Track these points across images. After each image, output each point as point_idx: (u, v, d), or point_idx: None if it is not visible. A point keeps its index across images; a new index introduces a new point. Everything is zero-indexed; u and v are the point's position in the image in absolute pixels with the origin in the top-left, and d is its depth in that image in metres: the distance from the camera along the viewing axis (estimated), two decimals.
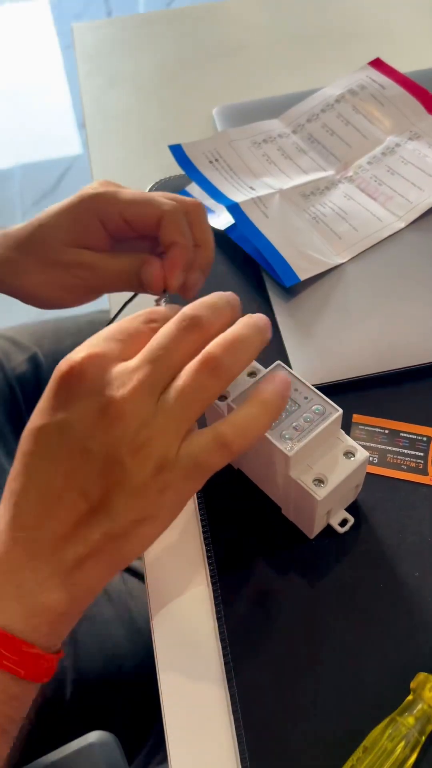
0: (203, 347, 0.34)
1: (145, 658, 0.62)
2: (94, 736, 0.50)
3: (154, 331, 0.35)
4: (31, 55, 2.40)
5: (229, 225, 0.61)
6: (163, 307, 0.38)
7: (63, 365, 0.34)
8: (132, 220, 0.46)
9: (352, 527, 0.46)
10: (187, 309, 0.35)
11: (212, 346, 0.34)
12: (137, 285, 0.47)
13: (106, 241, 0.47)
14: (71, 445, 0.33)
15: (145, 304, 0.43)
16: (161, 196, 0.47)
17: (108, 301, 0.61)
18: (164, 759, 0.66)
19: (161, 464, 0.33)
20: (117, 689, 0.61)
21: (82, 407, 0.33)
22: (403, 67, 0.74)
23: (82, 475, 0.33)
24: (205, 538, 0.46)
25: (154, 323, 0.36)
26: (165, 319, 0.36)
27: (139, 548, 0.35)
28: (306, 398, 0.42)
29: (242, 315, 0.37)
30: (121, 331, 0.35)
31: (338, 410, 0.42)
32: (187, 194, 0.65)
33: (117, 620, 0.63)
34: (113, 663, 0.61)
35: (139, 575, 0.68)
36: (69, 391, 0.33)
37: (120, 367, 0.34)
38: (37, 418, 0.34)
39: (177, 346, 0.34)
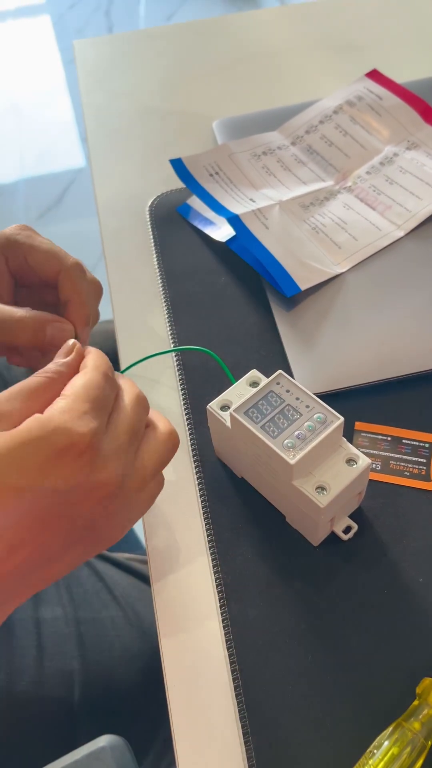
0: None
1: (153, 659, 0.62)
2: (105, 740, 0.50)
3: (114, 392, 0.39)
4: (34, 70, 2.43)
5: (230, 237, 0.61)
6: (109, 363, 0.40)
7: (64, 438, 0.34)
8: (35, 266, 0.46)
9: (356, 534, 0.46)
10: (141, 392, 0.41)
11: (169, 424, 0.42)
12: (36, 339, 0.44)
13: (9, 287, 0.47)
14: (56, 510, 0.35)
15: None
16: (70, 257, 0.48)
17: (111, 312, 0.61)
18: (174, 761, 0.66)
19: (129, 522, 0.39)
20: (126, 690, 0.61)
21: (76, 479, 0.35)
22: (400, 77, 0.75)
23: (50, 538, 0.35)
24: (210, 547, 0.47)
25: (112, 388, 0.39)
26: (114, 379, 0.40)
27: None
28: (307, 407, 0.43)
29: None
30: (103, 398, 0.37)
31: (340, 418, 0.42)
32: (189, 207, 0.66)
33: (124, 621, 0.64)
34: (121, 664, 0.61)
35: (146, 578, 0.68)
36: (66, 462, 0.34)
37: (109, 445, 0.36)
38: (20, 476, 0.34)
39: (141, 424, 0.40)
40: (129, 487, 0.37)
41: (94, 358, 0.39)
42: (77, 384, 0.37)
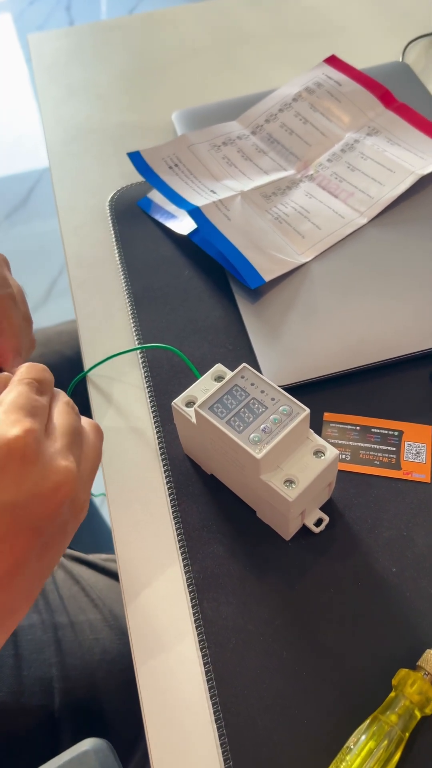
0: None
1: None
2: (88, 743, 0.49)
3: (47, 399, 0.39)
4: None
5: (192, 230, 0.60)
6: (38, 372, 0.39)
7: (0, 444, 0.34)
8: None
9: (327, 526, 0.45)
10: (69, 398, 0.41)
11: (91, 420, 0.42)
12: None
13: None
14: (22, 525, 0.34)
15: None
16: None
17: (74, 311, 0.60)
18: None
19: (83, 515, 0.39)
20: (107, 693, 0.60)
21: (27, 485, 0.34)
22: (358, 63, 0.74)
23: (26, 551, 0.35)
24: (180, 546, 0.46)
25: (44, 395, 0.39)
26: (47, 387, 0.40)
27: None
28: (273, 399, 0.42)
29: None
30: (32, 405, 0.37)
31: (305, 410, 0.41)
32: (149, 201, 0.65)
33: (102, 624, 0.63)
34: (101, 667, 0.60)
35: None
36: (11, 470, 0.34)
37: (52, 448, 0.36)
38: None
39: (76, 423, 0.39)
40: (83, 484, 0.38)
41: (20, 371, 0.39)
42: (5, 399, 0.37)
